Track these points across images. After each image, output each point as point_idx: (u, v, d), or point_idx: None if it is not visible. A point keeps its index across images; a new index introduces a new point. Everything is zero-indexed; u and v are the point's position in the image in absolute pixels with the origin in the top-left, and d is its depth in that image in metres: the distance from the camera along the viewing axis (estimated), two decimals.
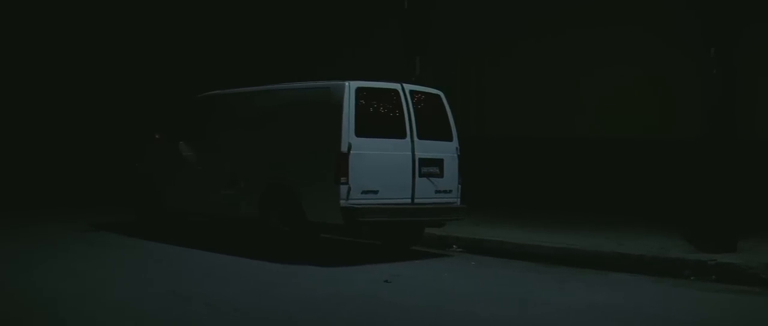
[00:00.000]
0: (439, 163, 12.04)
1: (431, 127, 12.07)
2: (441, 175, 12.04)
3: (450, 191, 12.18)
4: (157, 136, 14.25)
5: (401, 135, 11.65)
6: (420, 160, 11.76)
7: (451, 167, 12.18)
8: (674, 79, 15.68)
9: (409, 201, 11.71)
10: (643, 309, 8.66)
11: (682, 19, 14.59)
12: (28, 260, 11.08)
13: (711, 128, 11.47)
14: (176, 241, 13.16)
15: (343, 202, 11.03)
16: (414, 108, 11.80)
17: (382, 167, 11.42)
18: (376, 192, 11.38)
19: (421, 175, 11.80)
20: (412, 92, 11.95)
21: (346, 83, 11.20)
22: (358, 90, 11.33)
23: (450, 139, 12.23)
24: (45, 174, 20.72)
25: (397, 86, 11.83)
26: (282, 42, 22.00)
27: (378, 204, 11.36)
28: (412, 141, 11.71)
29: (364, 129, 11.24)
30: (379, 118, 11.64)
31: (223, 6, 22.89)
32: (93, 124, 21.93)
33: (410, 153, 11.68)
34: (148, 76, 22.34)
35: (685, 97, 15.29)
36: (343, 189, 11.01)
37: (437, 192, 12.02)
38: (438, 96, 12.31)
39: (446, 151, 12.16)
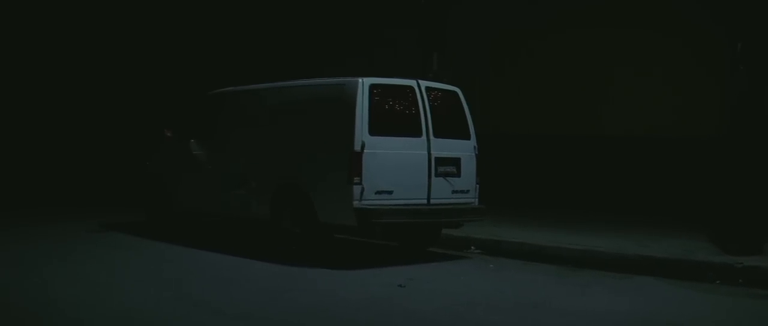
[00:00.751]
0: (455, 162, 11.68)
1: (448, 124, 11.71)
2: (458, 175, 11.68)
3: (467, 191, 11.82)
4: (167, 133, 13.90)
5: (417, 133, 11.29)
6: (436, 159, 11.40)
7: (469, 166, 11.82)
8: (698, 75, 15.25)
9: (425, 201, 11.35)
10: (668, 316, 8.27)
11: (708, 14, 14.16)
12: (34, 262, 10.80)
13: (735, 126, 11.08)
14: (186, 242, 12.85)
15: (356, 203, 10.69)
16: (430, 105, 11.43)
17: (396, 167, 11.06)
18: (390, 192, 11.03)
19: (437, 175, 11.44)
20: (428, 89, 11.57)
21: (360, 80, 10.85)
22: (372, 87, 10.97)
23: (467, 138, 11.86)
24: (55, 173, 20.45)
25: (412, 83, 11.46)
26: (297, 39, 21.67)
27: (392, 205, 11.01)
28: (428, 139, 11.34)
29: (378, 127, 10.89)
30: (394, 116, 11.28)
31: (235, 3, 22.53)
32: (104, 122, 21.65)
33: (426, 152, 11.31)
34: (160, 72, 22.04)
35: (710, 93, 14.87)
36: (357, 189, 10.66)
37: (454, 192, 11.66)
38: (455, 93, 11.95)
39: (463, 149, 11.80)
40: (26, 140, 20.78)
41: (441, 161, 11.47)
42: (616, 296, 9.34)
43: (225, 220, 14.05)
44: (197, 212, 13.69)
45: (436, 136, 11.40)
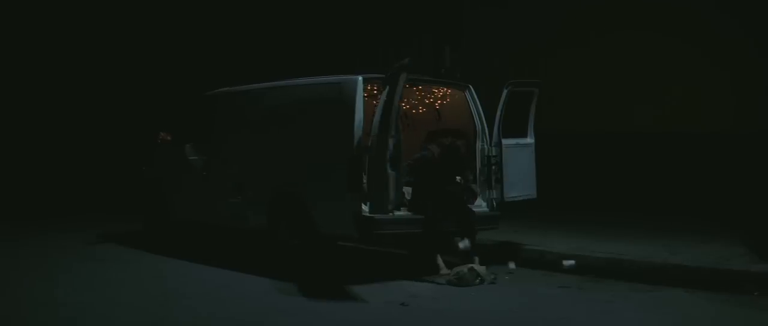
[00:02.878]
0: None
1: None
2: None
3: None
4: (163, 136, 13.04)
5: None
6: None
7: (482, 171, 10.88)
8: (735, 69, 14.21)
9: None
10: None
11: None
12: (18, 281, 10.12)
13: None
14: (181, 254, 12.01)
15: (357, 213, 9.76)
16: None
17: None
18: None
19: None
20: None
21: (359, 78, 9.87)
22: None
23: (479, 140, 10.90)
24: (51, 180, 19.53)
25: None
26: (303, 37, 20.60)
27: (398, 214, 10.10)
28: None
29: None
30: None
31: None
32: (100, 125, 20.60)
33: None
34: (161, 71, 20.95)
35: (751, 88, 13.85)
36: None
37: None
38: (463, 90, 10.99)
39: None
40: (19, 145, 19.86)
41: None
42: (643, 313, 8.39)
43: (223, 231, 13.08)
44: (194, 222, 12.82)
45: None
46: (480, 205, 10.88)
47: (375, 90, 11.61)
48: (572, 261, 10.58)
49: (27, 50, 20.35)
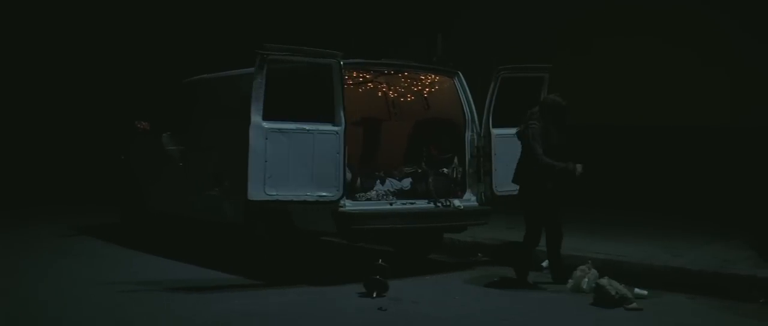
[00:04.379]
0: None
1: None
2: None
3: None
4: (140, 125, 12.39)
5: None
6: None
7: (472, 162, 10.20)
8: (745, 63, 13.51)
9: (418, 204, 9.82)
10: None
11: None
12: None
13: None
14: (156, 250, 11.39)
15: (334, 208, 9.13)
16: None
17: None
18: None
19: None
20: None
21: (336, 60, 9.15)
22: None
23: (468, 129, 10.22)
24: (26, 170, 18.63)
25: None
26: (291, 22, 19.79)
27: (379, 208, 9.49)
28: None
29: None
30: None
31: None
32: (78, 113, 19.63)
33: None
34: (141, 58, 20.01)
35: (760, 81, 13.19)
36: None
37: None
38: (451, 77, 10.31)
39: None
40: None
41: None
42: (638, 321, 7.74)
43: (201, 224, 12.42)
44: (170, 215, 12.17)
45: None
46: (469, 199, 10.20)
47: (362, 77, 11.05)
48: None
49: None
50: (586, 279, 8.82)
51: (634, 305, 8.13)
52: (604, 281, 8.36)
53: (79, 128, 19.37)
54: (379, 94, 11.51)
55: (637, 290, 8.54)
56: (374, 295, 8.46)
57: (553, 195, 9.03)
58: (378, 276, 8.55)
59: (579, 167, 8.88)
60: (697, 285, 8.79)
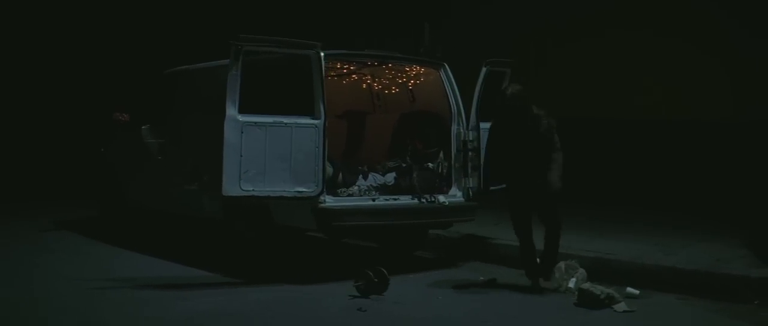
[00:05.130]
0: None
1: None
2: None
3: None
4: (118, 116, 12.06)
5: None
6: None
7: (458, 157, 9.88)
8: (741, 55, 13.21)
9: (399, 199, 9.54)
10: None
11: None
12: None
13: None
14: (135, 246, 11.06)
15: (314, 203, 8.82)
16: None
17: None
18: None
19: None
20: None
21: (315, 51, 8.79)
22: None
23: (455, 123, 9.90)
24: (7, 164, 18.10)
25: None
26: (279, 12, 19.42)
27: (360, 204, 9.21)
28: None
29: None
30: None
31: None
32: (59, 104, 19.08)
33: None
34: (124, 47, 19.49)
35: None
36: None
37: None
38: (437, 69, 9.98)
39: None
40: None
41: None
42: (627, 324, 7.40)
43: (182, 219, 12.08)
44: (150, 210, 11.85)
45: None
46: (454, 195, 9.88)
47: (345, 68, 10.75)
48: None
49: None
50: (574, 279, 8.50)
51: (621, 305, 7.82)
52: (587, 285, 8.05)
53: (59, 120, 18.86)
54: (364, 86, 11.20)
55: (629, 289, 8.25)
56: (369, 296, 8.15)
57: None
58: (372, 276, 8.24)
59: None
60: (690, 285, 8.48)
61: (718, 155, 13.09)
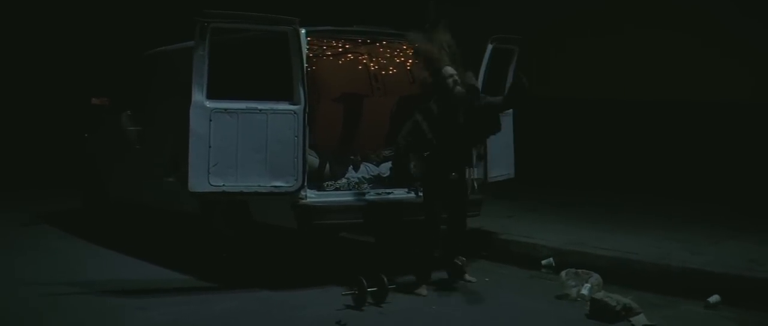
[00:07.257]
0: None
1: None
2: None
3: None
4: (96, 101, 11.17)
5: None
6: None
7: None
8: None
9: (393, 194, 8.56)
10: None
11: None
12: None
13: None
14: (116, 243, 10.22)
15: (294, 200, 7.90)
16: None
17: None
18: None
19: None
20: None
21: (292, 27, 7.80)
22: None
23: None
24: None
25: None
26: None
27: (347, 200, 8.30)
28: None
29: None
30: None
31: None
32: (42, 90, 18.13)
33: None
34: (108, 28, 18.41)
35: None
36: None
37: None
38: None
39: None
40: None
41: None
42: None
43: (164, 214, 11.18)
44: (131, 203, 10.96)
45: None
46: None
47: (340, 47, 9.82)
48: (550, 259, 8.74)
49: None
50: (588, 285, 7.50)
51: (641, 318, 6.80)
52: (601, 295, 7.04)
53: (43, 106, 17.93)
54: (360, 66, 10.21)
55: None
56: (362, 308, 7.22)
57: None
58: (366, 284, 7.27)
59: None
60: (720, 291, 7.40)
61: (748, 139, 12.00)
